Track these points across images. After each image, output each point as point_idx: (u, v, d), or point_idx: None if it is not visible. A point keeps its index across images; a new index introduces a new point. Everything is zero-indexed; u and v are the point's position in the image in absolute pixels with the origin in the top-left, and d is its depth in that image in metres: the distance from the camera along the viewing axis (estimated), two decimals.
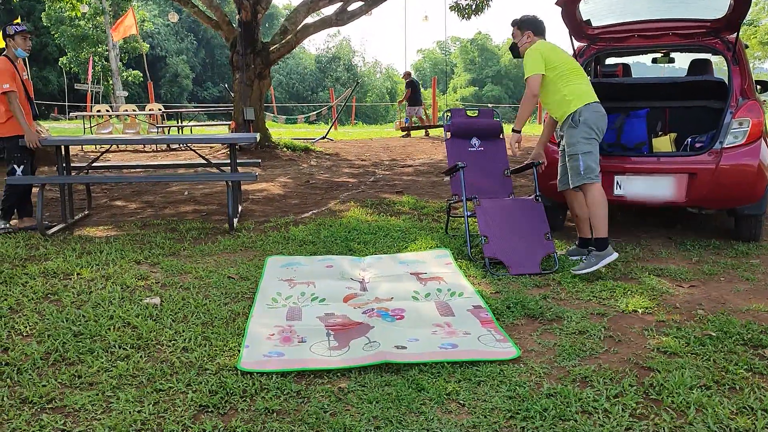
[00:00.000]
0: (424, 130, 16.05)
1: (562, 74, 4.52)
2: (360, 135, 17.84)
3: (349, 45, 57.78)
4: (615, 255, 4.33)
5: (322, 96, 47.03)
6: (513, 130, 4.80)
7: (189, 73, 46.40)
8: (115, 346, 3.22)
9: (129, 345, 3.24)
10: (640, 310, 3.74)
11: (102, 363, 3.03)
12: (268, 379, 2.88)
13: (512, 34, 4.86)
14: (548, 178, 5.24)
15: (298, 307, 3.76)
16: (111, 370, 2.96)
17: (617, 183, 5.05)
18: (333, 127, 16.77)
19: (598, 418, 2.55)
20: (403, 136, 15.79)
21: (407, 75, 17.03)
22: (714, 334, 3.31)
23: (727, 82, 5.06)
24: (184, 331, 3.41)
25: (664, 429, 2.46)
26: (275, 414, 2.61)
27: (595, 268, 4.29)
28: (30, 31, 5.82)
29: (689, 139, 5.26)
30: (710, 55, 6.49)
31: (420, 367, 3.00)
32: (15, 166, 5.73)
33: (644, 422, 2.51)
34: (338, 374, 2.96)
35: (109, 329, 3.41)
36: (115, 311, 3.66)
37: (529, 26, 4.75)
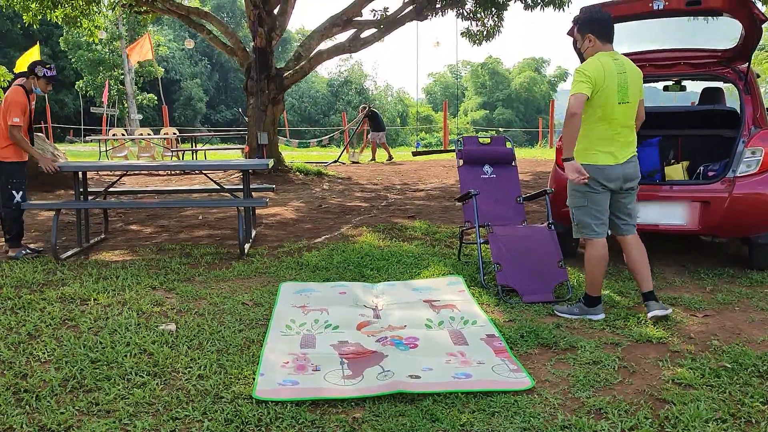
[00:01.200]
0: (386, 157, 16.31)
1: (594, 112, 3.93)
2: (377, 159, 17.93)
3: (361, 69, 58.24)
4: (601, 316, 4.09)
5: (333, 119, 47.37)
6: (564, 160, 4.01)
7: (203, 97, 46.93)
8: (131, 373, 3.25)
9: (145, 372, 3.27)
10: (654, 340, 3.73)
11: (119, 390, 3.06)
12: (283, 408, 2.90)
13: (573, 34, 4.26)
14: (561, 204, 5.26)
15: (312, 335, 3.78)
16: (128, 398, 2.99)
17: None
18: (345, 150, 16.88)
19: None
20: (387, 161, 16.04)
21: (364, 109, 17.56)
22: (729, 366, 3.30)
23: (739, 111, 5.09)
24: (199, 359, 3.44)
25: None
26: None
27: (574, 317, 4.11)
28: (55, 78, 5.93)
29: (702, 168, 5.28)
30: (721, 83, 6.54)
31: (434, 397, 3.00)
32: (14, 192, 5.73)
33: None
34: (352, 403, 2.97)
35: (126, 356, 3.44)
36: (131, 338, 3.70)
37: (590, 28, 3.98)
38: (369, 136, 16.91)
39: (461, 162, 5.54)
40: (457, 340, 3.69)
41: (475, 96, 63.84)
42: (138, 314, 4.14)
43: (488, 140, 5.62)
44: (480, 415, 2.85)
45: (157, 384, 3.15)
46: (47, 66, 5.90)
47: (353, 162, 15.75)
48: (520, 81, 62.86)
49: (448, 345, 3.61)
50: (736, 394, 3.00)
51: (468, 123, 52.80)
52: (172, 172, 13.26)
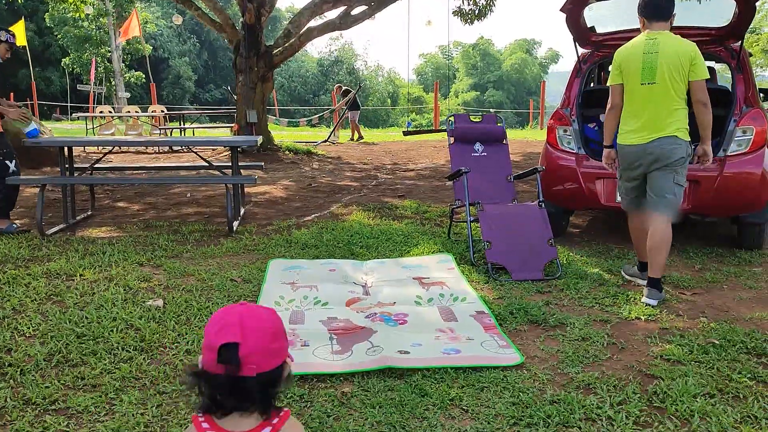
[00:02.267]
0: (352, 136, 16.24)
1: (626, 94, 4.09)
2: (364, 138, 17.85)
3: (351, 48, 57.88)
4: (643, 282, 4.22)
5: (324, 99, 47.07)
6: (604, 146, 4.33)
7: (191, 75, 46.49)
8: (118, 348, 3.22)
9: (132, 347, 3.24)
10: (643, 318, 3.73)
11: (105, 365, 3.02)
12: None
13: None
14: (551, 183, 5.25)
15: (301, 311, 3.76)
16: (114, 372, 2.96)
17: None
18: (335, 130, 16.77)
19: (602, 425, 2.55)
20: (357, 140, 16.00)
21: (339, 88, 17.50)
22: (717, 342, 3.31)
23: (731, 90, 5.07)
24: (187, 334, 3.41)
25: None
26: None
27: (627, 276, 4.50)
28: (14, 46, 5.74)
29: (693, 147, 5.25)
30: (714, 63, 6.51)
31: (423, 372, 2.99)
32: (7, 162, 5.60)
33: (648, 430, 2.51)
34: (341, 378, 2.95)
35: (112, 331, 3.41)
36: (118, 313, 3.66)
37: (639, 11, 4.11)
38: (349, 115, 16.80)
39: (452, 140, 5.50)
40: (446, 317, 3.68)
41: (466, 77, 63.63)
42: (125, 290, 4.10)
43: (479, 118, 5.58)
44: (469, 390, 2.84)
45: (144, 359, 3.12)
46: (10, 31, 5.75)
47: (332, 142, 15.62)
48: (511, 62, 62.68)
49: (437, 321, 3.60)
50: (724, 369, 3.01)
51: (459, 104, 52.61)
52: (160, 150, 13.15)
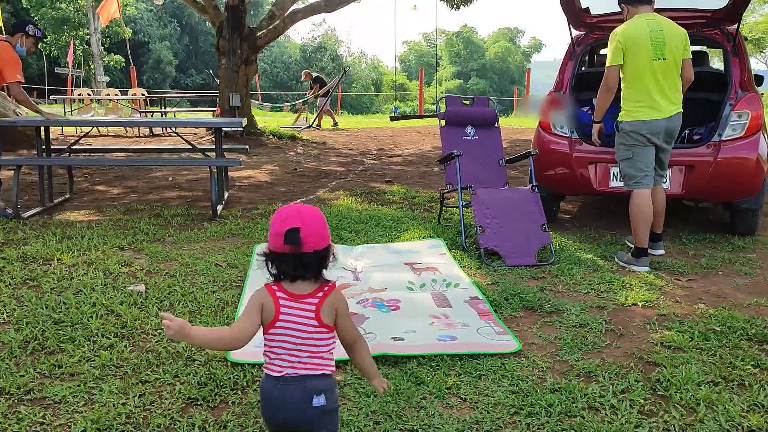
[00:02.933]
0: (315, 121, 15.95)
1: (632, 71, 4.18)
2: (347, 125, 17.67)
3: (334, 35, 57.37)
4: (645, 269, 4.27)
5: (306, 85, 46.63)
6: (593, 121, 4.58)
7: (172, 60, 45.73)
8: (97, 335, 3.07)
9: (112, 334, 3.09)
10: (640, 304, 3.65)
11: (84, 352, 2.87)
12: (260, 371, 2.75)
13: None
14: (543, 167, 5.15)
15: None
16: (93, 360, 2.82)
17: (614, 174, 4.96)
18: (320, 115, 16.54)
19: (606, 414, 2.46)
20: (315, 126, 15.69)
21: (308, 74, 17.15)
22: (718, 329, 3.24)
23: (726, 74, 4.99)
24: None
25: (674, 427, 2.37)
26: None
27: (621, 263, 4.41)
28: (41, 40, 5.55)
29: (687, 131, 5.19)
30: (705, 47, 6.43)
31: (418, 359, 2.88)
32: None
33: (653, 419, 2.42)
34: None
35: (92, 317, 3.25)
36: (97, 298, 3.50)
37: None
38: (318, 102, 16.52)
39: (443, 123, 5.37)
40: (440, 303, 3.56)
41: (449, 65, 63.47)
42: (105, 274, 3.93)
43: (471, 101, 5.46)
44: (466, 378, 2.74)
45: (125, 346, 2.97)
46: (38, 26, 5.55)
47: (297, 128, 15.30)
48: (494, 51, 62.62)
49: (431, 307, 3.49)
50: (727, 357, 2.93)
51: (442, 92, 52.47)
52: (141, 133, 12.88)
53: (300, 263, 1.71)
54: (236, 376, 2.70)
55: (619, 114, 4.31)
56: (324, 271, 1.78)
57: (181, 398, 2.53)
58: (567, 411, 2.47)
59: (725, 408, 2.47)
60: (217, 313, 3.41)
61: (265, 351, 1.78)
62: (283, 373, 1.73)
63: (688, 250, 4.80)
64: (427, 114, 15.69)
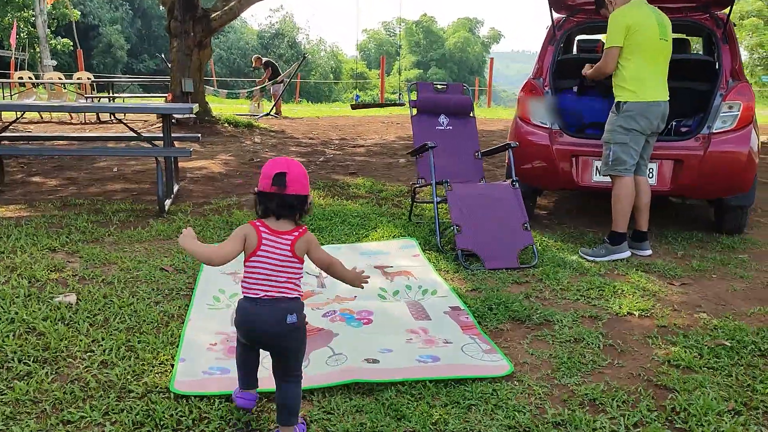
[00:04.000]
0: (273, 109, 15.40)
1: (637, 51, 4.04)
2: (306, 113, 17.11)
3: (292, 21, 56.31)
4: (628, 253, 4.19)
5: (264, 72, 45.62)
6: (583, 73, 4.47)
7: (123, 44, 44.05)
8: (13, 360, 2.56)
9: (32, 358, 2.59)
10: (636, 313, 3.31)
11: None
12: (209, 405, 2.30)
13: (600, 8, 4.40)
14: (521, 161, 4.78)
15: None
16: (5, 394, 2.32)
17: (596, 169, 4.62)
18: (277, 103, 15.92)
19: None
20: (274, 114, 15.11)
21: (258, 59, 16.60)
22: (728, 344, 2.90)
23: (715, 62, 4.69)
24: (103, 340, 2.78)
25: None
26: None
27: (602, 259, 4.16)
28: None
29: (673, 123, 4.87)
30: (685, 35, 6.15)
31: (397, 387, 2.47)
32: None
33: None
34: None
35: (7, 337, 2.74)
36: (17, 313, 2.98)
37: None
38: (272, 89, 15.91)
39: (414, 111, 4.95)
40: (417, 314, 3.15)
41: (409, 54, 63.05)
42: (29, 282, 3.40)
43: (444, 87, 5.04)
44: (454, 410, 2.33)
45: (46, 374, 2.48)
46: None
47: (254, 116, 14.66)
48: (454, 41, 62.54)
49: (407, 320, 3.07)
50: (743, 378, 2.60)
51: (402, 81, 52.03)
52: (87, 120, 12.11)
53: (283, 203, 2.04)
54: (180, 413, 2.24)
55: (621, 94, 4.10)
56: (299, 216, 2.10)
57: None
58: None
59: None
60: (159, 328, 2.93)
61: (243, 278, 2.08)
62: (260, 296, 2.04)
63: (675, 250, 4.49)
64: (389, 102, 15.20)
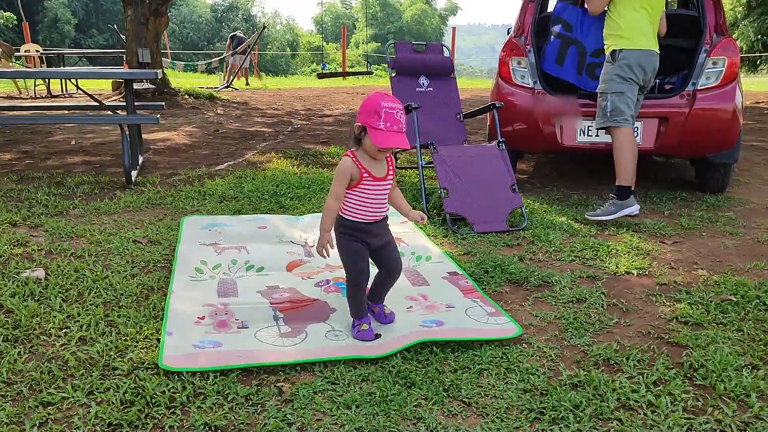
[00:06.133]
0: (232, 80, 15.10)
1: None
2: (269, 85, 16.69)
3: None
4: (637, 207, 4.02)
5: (219, 47, 44.39)
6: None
7: (71, 18, 42.32)
8: None
9: (2, 337, 2.36)
10: (633, 272, 3.23)
11: None
12: (204, 380, 2.12)
13: None
14: (503, 122, 4.64)
15: (231, 279, 2.97)
16: None
17: (580, 129, 4.52)
18: (237, 74, 15.50)
19: (646, 415, 1.98)
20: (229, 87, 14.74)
21: (233, 37, 16.51)
22: (734, 299, 2.84)
23: (699, 17, 4.60)
24: (79, 315, 2.56)
25: (730, 427, 1.93)
26: None
27: (613, 216, 3.98)
28: None
29: (657, 81, 4.80)
30: None
31: (402, 353, 2.33)
32: None
33: (704, 418, 1.96)
34: (297, 369, 2.24)
35: None
36: None
37: None
38: (232, 60, 15.50)
39: (393, 73, 4.76)
40: (415, 281, 3.01)
41: (366, 28, 62.30)
42: None
43: (423, 47, 4.86)
44: (465, 375, 2.21)
45: (18, 353, 2.26)
46: None
47: (213, 89, 14.20)
48: (411, 13, 62.02)
49: (405, 287, 2.92)
50: (754, 332, 2.54)
51: (360, 55, 51.43)
52: (38, 94, 11.54)
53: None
54: (172, 390, 2.06)
55: (616, 42, 4.00)
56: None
57: (100, 425, 1.88)
58: (598, 413, 1.99)
59: None
60: (140, 302, 2.72)
61: (345, 202, 2.41)
62: (368, 220, 2.43)
63: (661, 209, 4.44)
64: (357, 72, 14.90)
